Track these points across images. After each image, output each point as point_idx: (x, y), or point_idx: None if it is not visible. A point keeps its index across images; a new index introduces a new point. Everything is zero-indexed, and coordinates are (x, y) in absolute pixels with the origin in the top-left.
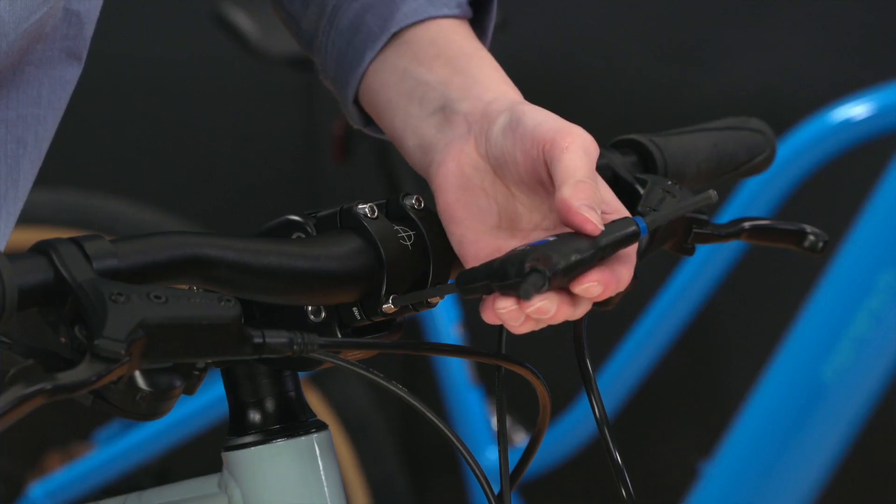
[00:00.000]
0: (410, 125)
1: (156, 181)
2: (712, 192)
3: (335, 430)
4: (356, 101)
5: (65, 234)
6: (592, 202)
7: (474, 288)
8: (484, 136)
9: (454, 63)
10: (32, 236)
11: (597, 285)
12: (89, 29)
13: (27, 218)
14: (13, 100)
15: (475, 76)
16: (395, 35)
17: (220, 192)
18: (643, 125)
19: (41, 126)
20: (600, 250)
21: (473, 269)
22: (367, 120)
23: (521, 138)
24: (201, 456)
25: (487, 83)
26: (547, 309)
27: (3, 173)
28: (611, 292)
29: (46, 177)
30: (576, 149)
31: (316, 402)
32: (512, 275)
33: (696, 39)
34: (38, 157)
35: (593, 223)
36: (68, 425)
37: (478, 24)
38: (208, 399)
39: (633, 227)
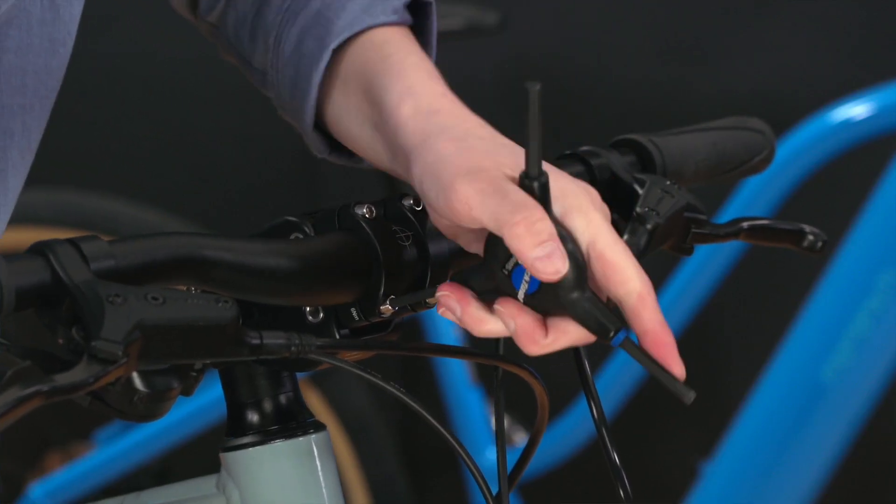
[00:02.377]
0: (371, 151)
1: (156, 181)
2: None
3: (335, 431)
4: (318, 128)
5: (64, 234)
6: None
7: (472, 287)
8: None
9: (378, 98)
10: (32, 236)
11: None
12: (69, 11)
13: (27, 218)
14: None
15: (389, 117)
16: (337, 52)
17: (220, 192)
18: (642, 125)
19: (28, 115)
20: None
21: (472, 268)
22: (332, 147)
23: (434, 208)
24: (201, 456)
25: (398, 121)
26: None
27: None
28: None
29: (46, 177)
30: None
31: (316, 403)
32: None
33: (696, 39)
34: (29, 147)
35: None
36: (68, 425)
37: (420, 30)
38: (207, 400)
39: (611, 331)
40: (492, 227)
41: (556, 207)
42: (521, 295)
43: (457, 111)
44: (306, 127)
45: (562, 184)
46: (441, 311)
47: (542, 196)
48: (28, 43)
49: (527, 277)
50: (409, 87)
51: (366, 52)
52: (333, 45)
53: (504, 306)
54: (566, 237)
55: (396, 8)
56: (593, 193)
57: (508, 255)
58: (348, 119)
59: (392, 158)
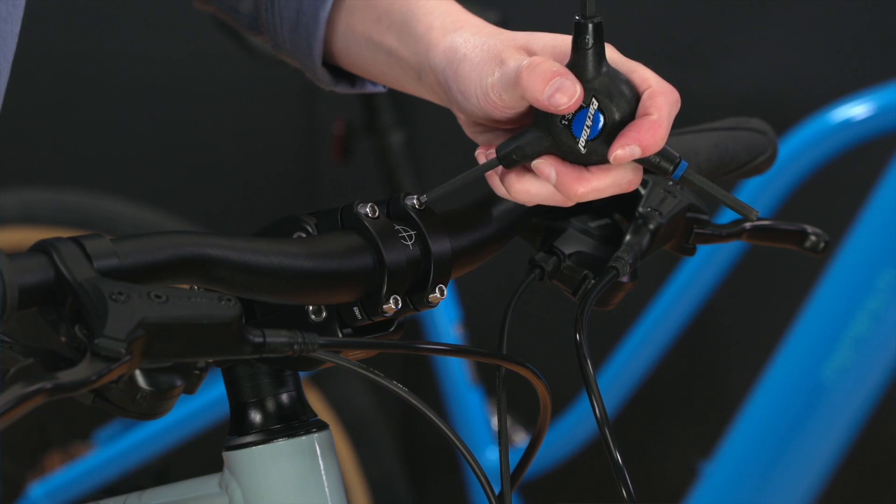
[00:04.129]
0: (401, 85)
1: (156, 181)
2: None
3: (335, 430)
4: (325, 63)
5: (65, 234)
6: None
7: (511, 158)
8: (455, 107)
9: (398, 23)
10: (33, 236)
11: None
12: None
13: (27, 218)
14: None
15: (417, 37)
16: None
17: (220, 192)
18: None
19: None
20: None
21: (512, 140)
22: (338, 78)
23: (478, 108)
24: (202, 456)
25: (428, 40)
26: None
27: None
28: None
29: (47, 177)
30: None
31: (316, 402)
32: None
33: (696, 39)
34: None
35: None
36: (68, 425)
37: None
38: (209, 399)
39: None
40: (518, 100)
41: (621, 66)
42: (581, 142)
43: (475, 22)
44: (314, 61)
45: (617, 56)
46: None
47: (596, 35)
48: None
49: (588, 122)
50: (434, 16)
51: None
52: None
53: (542, 162)
54: (623, 79)
55: None
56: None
57: None
58: (357, 46)
59: (419, 79)
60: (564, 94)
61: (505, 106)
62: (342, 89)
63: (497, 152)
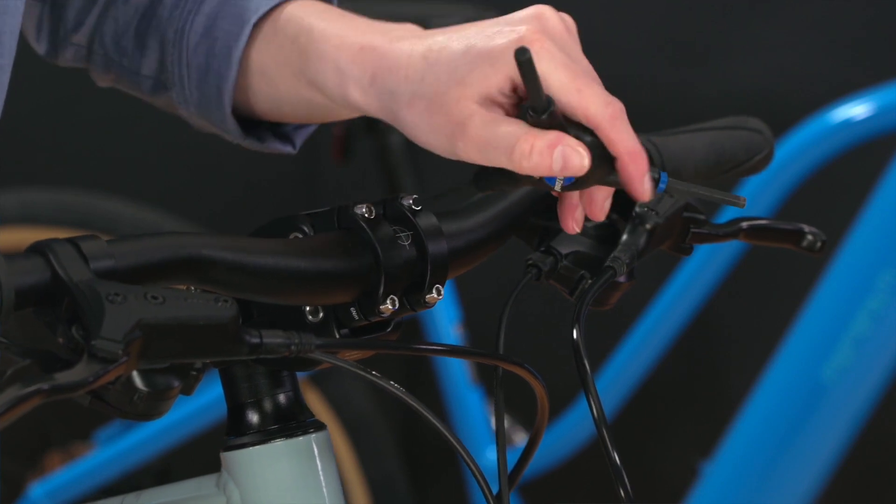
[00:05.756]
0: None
1: (156, 181)
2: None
3: (335, 430)
4: (235, 114)
5: (65, 234)
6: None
7: (490, 183)
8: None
9: (314, 71)
10: (33, 236)
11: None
12: None
13: (27, 218)
14: None
15: (333, 88)
16: (258, 28)
17: (220, 192)
18: (642, 125)
19: None
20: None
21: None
22: (246, 132)
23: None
24: (201, 456)
25: (343, 91)
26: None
27: None
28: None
29: (46, 177)
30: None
31: (315, 402)
32: None
33: (696, 39)
34: None
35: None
36: (68, 425)
37: None
38: (208, 399)
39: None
40: (508, 166)
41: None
42: (557, 186)
43: (388, 47)
44: (224, 110)
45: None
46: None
47: (553, 123)
48: None
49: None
50: (346, 57)
51: (286, 28)
52: (254, 19)
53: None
54: (582, 129)
55: None
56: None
57: None
58: (283, 97)
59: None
60: (573, 160)
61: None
62: (250, 144)
63: (475, 177)
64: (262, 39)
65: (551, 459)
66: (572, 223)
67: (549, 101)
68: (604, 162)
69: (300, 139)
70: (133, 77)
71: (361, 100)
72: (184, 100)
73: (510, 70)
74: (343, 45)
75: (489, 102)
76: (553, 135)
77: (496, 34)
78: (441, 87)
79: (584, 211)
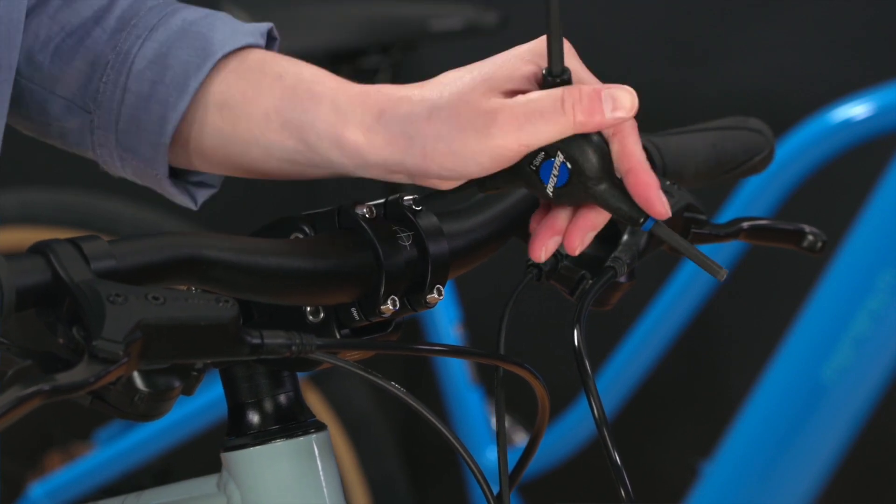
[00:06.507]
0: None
1: None
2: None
3: (335, 431)
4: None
5: (64, 234)
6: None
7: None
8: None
9: (297, 122)
10: (32, 236)
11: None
12: None
13: (26, 218)
14: None
15: (320, 136)
16: (220, 66)
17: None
18: (642, 125)
19: None
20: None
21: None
22: (182, 188)
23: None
24: (201, 456)
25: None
26: None
27: None
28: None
29: (46, 177)
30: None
31: (316, 403)
32: None
33: (696, 40)
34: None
35: None
36: (68, 425)
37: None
38: (208, 399)
39: (641, 219)
40: (556, 126)
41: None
42: (549, 188)
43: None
44: (162, 139)
45: (581, 75)
46: None
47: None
48: None
49: (555, 171)
50: (333, 108)
51: (265, 65)
52: (220, 55)
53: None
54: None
55: (262, 33)
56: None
57: (537, 151)
58: (234, 130)
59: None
60: (623, 99)
61: (518, 153)
62: (154, 184)
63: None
64: (230, 73)
65: (551, 459)
66: (541, 250)
67: (566, 69)
68: (606, 173)
69: (202, 197)
70: (41, 94)
71: (362, 139)
72: (104, 125)
73: (539, 61)
74: (341, 88)
75: (514, 93)
76: (594, 84)
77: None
78: (465, 91)
79: (560, 240)
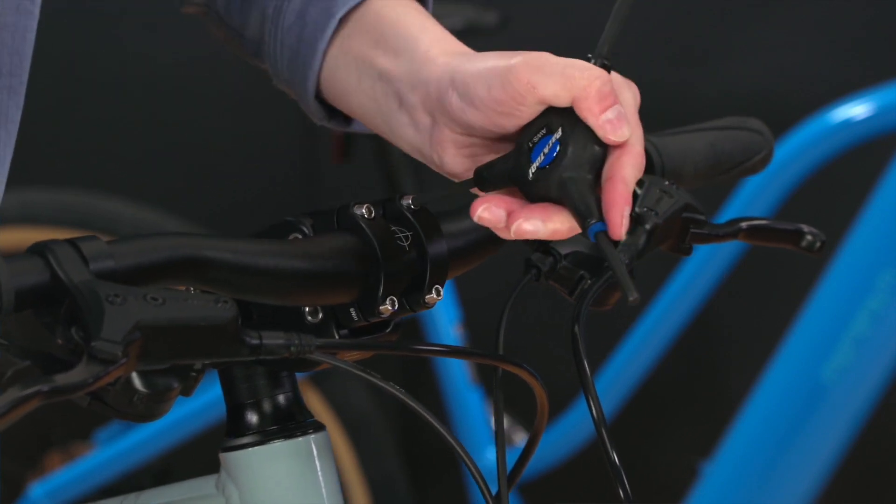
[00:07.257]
0: (379, 121)
1: (156, 181)
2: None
3: (335, 431)
4: (318, 97)
5: (64, 234)
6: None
7: (491, 183)
8: (447, 119)
9: (395, 44)
10: (32, 236)
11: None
12: None
13: (26, 218)
14: None
15: (414, 54)
16: (344, 21)
17: (220, 192)
18: (642, 125)
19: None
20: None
21: (490, 163)
22: (330, 114)
23: (482, 105)
24: (201, 456)
25: (426, 56)
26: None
27: None
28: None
29: (46, 177)
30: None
31: (315, 403)
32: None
33: (696, 40)
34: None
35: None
36: (68, 425)
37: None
38: (208, 399)
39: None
40: (559, 99)
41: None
42: (532, 168)
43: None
44: (308, 94)
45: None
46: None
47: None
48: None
49: (546, 150)
50: (434, 40)
51: (374, 18)
52: (340, 14)
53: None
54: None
55: None
56: (632, 87)
57: (540, 128)
58: (346, 71)
59: (400, 106)
60: (622, 126)
61: (525, 90)
62: (335, 125)
63: (476, 176)
64: (349, 31)
65: (551, 459)
66: (482, 204)
67: (609, 60)
68: (590, 167)
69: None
70: (238, 39)
71: (440, 59)
72: (276, 74)
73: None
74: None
75: None
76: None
77: None
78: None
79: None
